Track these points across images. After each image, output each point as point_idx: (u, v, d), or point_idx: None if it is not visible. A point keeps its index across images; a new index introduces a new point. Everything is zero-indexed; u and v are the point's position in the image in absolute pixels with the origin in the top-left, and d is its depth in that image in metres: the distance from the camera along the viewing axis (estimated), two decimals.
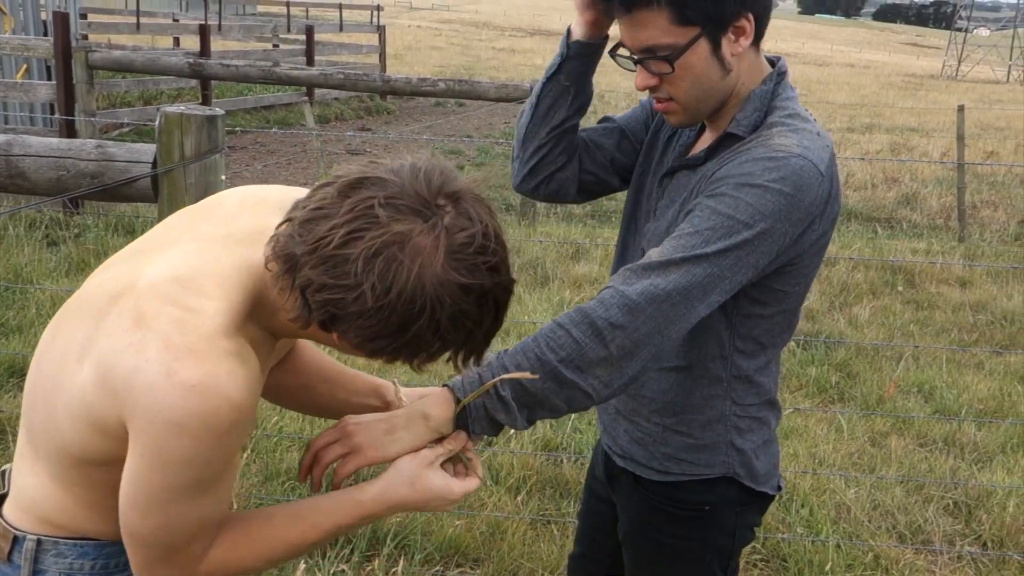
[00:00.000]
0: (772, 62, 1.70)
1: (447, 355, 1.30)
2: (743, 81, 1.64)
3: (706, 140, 1.74)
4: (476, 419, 1.47)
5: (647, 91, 1.63)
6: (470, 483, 1.45)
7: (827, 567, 3.32)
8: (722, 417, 1.75)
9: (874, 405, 4.84)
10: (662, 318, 1.47)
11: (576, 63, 1.79)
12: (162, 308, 1.23)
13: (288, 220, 1.24)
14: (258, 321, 1.32)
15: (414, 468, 1.41)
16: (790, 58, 46.38)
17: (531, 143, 1.86)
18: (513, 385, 1.46)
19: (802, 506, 3.72)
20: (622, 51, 1.62)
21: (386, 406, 1.68)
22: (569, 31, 1.78)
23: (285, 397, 1.73)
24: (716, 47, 1.56)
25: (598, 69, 1.80)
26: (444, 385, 1.50)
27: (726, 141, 1.65)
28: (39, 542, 1.39)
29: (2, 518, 1.42)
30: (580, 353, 1.46)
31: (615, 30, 1.67)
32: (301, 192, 1.35)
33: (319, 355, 1.74)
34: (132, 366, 1.19)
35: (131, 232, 6.90)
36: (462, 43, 38.30)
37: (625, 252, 1.88)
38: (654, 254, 1.52)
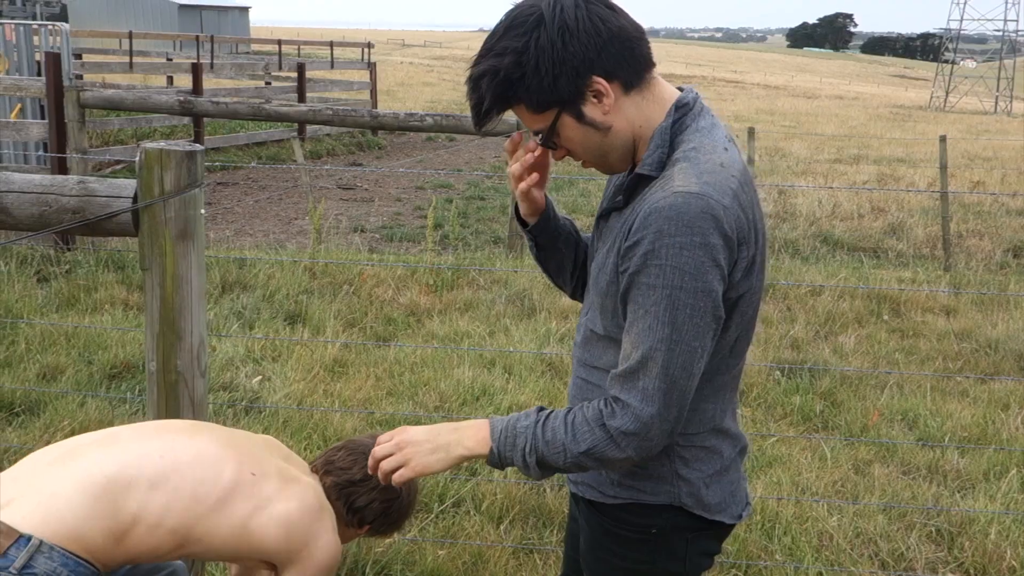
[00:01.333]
0: (679, 89, 1.74)
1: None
2: (640, 124, 1.69)
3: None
4: (500, 463, 1.75)
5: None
6: None
7: None
8: (667, 449, 1.76)
9: (858, 433, 4.87)
10: (674, 413, 1.62)
11: (544, 235, 1.99)
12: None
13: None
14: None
15: None
16: (779, 91, 46.77)
17: (564, 278, 2.07)
18: (539, 454, 1.70)
19: (784, 534, 3.74)
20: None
21: None
22: (519, 215, 1.98)
23: None
24: (579, 117, 1.66)
25: None
26: (489, 419, 1.77)
27: (640, 183, 1.70)
28: (40, 543, 1.75)
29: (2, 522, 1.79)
30: (600, 451, 1.65)
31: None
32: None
33: None
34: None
35: (121, 268, 6.94)
36: (454, 79, 38.59)
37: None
38: (626, 345, 1.63)
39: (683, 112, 1.69)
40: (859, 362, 6.01)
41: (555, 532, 3.68)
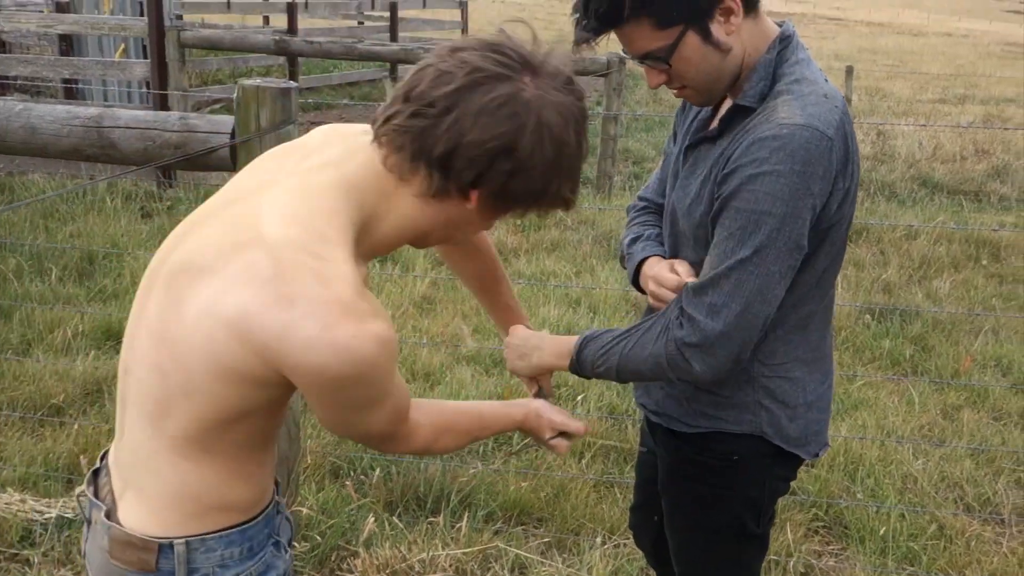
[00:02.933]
0: (779, 24, 1.73)
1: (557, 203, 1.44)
2: (749, 52, 1.67)
3: (722, 111, 1.80)
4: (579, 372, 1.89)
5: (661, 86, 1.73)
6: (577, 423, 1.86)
7: (887, 534, 3.33)
8: (750, 378, 1.80)
9: (948, 378, 4.79)
10: (742, 335, 1.65)
11: None
12: (298, 259, 1.25)
13: (388, 116, 1.32)
14: (366, 249, 1.40)
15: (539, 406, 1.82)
16: (883, 28, 45.04)
17: None
18: (610, 363, 1.81)
19: (868, 476, 3.73)
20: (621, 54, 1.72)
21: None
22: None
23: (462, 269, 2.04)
24: (706, 35, 1.61)
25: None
26: (581, 334, 1.89)
27: (738, 114, 1.70)
28: (188, 544, 1.40)
29: (135, 532, 1.40)
30: (664, 360, 1.72)
31: None
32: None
33: (489, 263, 2.02)
34: (284, 324, 1.23)
35: None
36: (546, 18, 38.15)
37: (666, 216, 1.96)
38: (706, 266, 1.66)
39: (785, 44, 1.69)
40: (953, 307, 5.88)
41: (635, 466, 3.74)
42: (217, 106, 11.55)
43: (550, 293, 5.60)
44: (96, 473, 1.54)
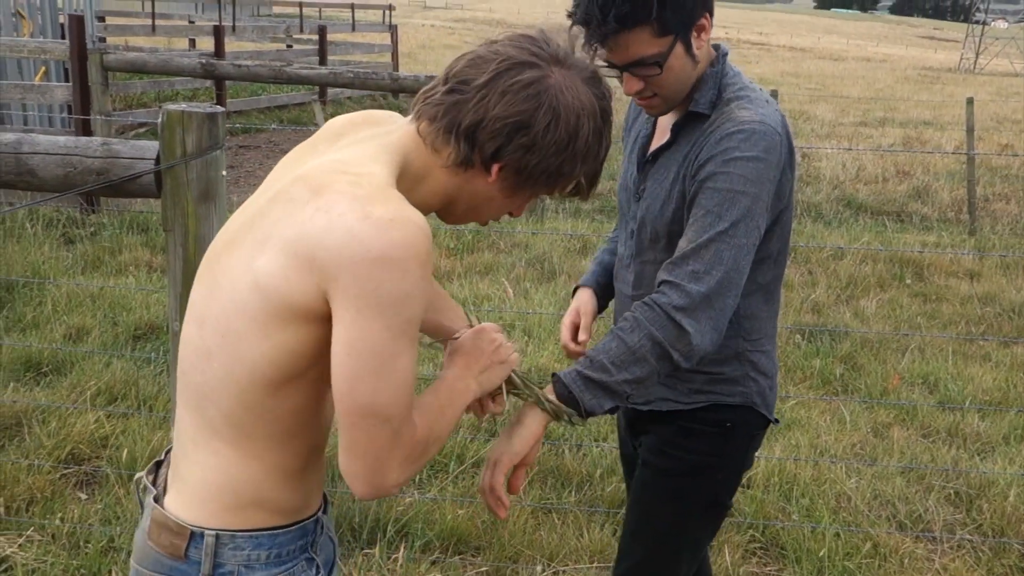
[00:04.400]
0: (715, 47, 1.94)
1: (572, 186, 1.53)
2: (703, 64, 1.91)
3: (666, 122, 2.00)
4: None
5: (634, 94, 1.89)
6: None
7: (824, 554, 3.36)
8: (738, 353, 2.01)
9: (878, 396, 4.87)
10: (721, 302, 1.77)
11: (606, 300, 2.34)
12: (335, 176, 1.33)
13: (428, 93, 1.45)
14: (403, 195, 1.40)
15: (480, 342, 1.64)
16: (805, 53, 46.17)
17: None
18: (599, 378, 1.75)
19: (802, 496, 3.76)
20: (601, 63, 1.80)
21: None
22: None
23: None
24: (688, 47, 1.83)
25: None
26: (554, 375, 1.79)
27: (691, 120, 1.92)
28: (218, 537, 1.42)
29: (173, 516, 1.44)
30: (658, 334, 1.75)
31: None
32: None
33: None
34: (324, 226, 1.27)
35: (145, 230, 7.00)
36: (476, 41, 38.17)
37: (624, 230, 2.14)
38: (683, 242, 1.81)
39: (723, 60, 1.94)
40: (880, 326, 6.00)
41: (573, 492, 3.72)
42: (142, 130, 11.32)
43: (484, 316, 5.56)
44: (159, 465, 1.59)
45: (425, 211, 1.48)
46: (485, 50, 1.45)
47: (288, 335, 1.32)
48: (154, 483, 1.54)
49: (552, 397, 1.74)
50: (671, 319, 1.73)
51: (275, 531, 1.46)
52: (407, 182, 1.44)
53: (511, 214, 1.58)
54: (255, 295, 1.32)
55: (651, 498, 2.12)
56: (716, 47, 1.94)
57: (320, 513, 1.55)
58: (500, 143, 1.41)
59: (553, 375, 1.78)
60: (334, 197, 1.29)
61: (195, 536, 1.42)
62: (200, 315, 1.42)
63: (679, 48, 1.81)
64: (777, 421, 2.15)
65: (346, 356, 1.28)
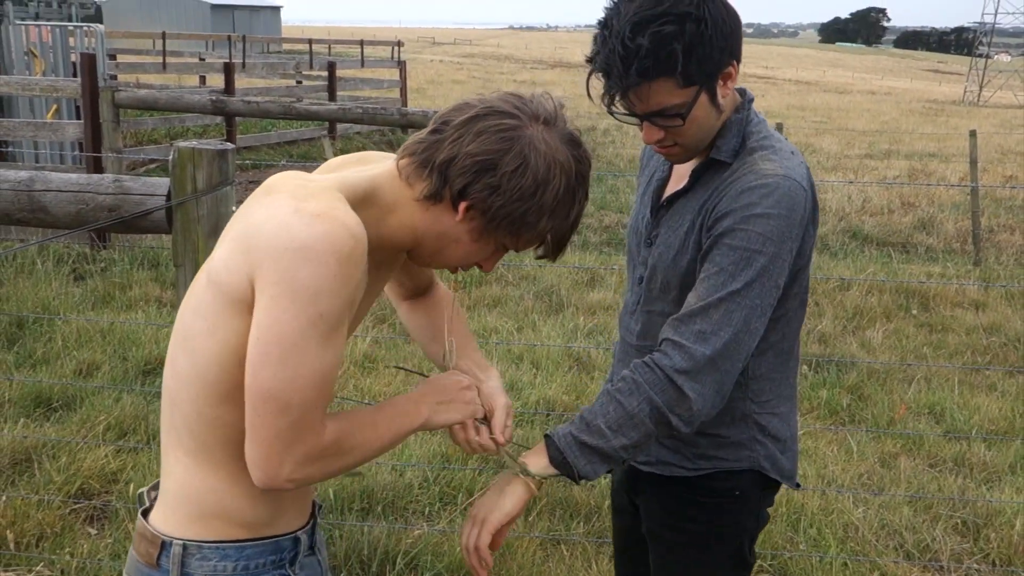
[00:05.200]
0: (740, 92, 1.84)
1: (538, 244, 1.55)
2: (729, 111, 1.80)
3: (685, 167, 1.89)
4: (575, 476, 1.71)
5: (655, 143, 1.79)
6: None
7: None
8: (745, 416, 1.90)
9: (885, 426, 4.88)
10: (727, 364, 1.69)
11: None
12: (288, 180, 1.42)
13: (416, 134, 1.51)
14: (365, 220, 1.42)
15: (450, 379, 1.64)
16: (811, 87, 46.40)
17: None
18: (594, 442, 1.69)
19: (810, 525, 3.76)
20: (620, 111, 1.73)
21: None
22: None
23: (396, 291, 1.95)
24: (713, 96, 1.72)
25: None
26: (546, 436, 1.73)
27: (711, 167, 1.82)
28: (185, 547, 1.47)
29: (150, 525, 1.51)
30: (658, 399, 1.68)
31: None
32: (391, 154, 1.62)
33: (431, 315, 1.90)
34: (262, 218, 1.34)
35: (156, 266, 7.06)
36: (484, 76, 38.64)
37: (632, 276, 2.05)
38: (691, 298, 1.72)
39: (749, 106, 1.84)
40: (887, 356, 6.00)
41: (581, 524, 3.72)
42: (153, 166, 11.44)
43: (492, 350, 5.60)
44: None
45: (393, 245, 1.53)
46: (473, 99, 1.51)
47: (230, 330, 1.36)
48: (151, 498, 1.59)
49: (539, 464, 1.68)
50: (672, 383, 1.66)
51: (242, 543, 1.48)
52: (376, 211, 1.48)
53: (481, 267, 1.58)
54: (207, 291, 1.39)
55: (676, 569, 2.04)
56: (741, 92, 1.84)
57: (301, 532, 1.56)
58: (468, 180, 1.44)
59: (546, 436, 1.71)
60: (279, 196, 1.37)
61: (166, 545, 1.48)
62: (176, 330, 1.49)
63: (703, 98, 1.70)
64: (799, 486, 2.04)
65: (255, 340, 1.31)
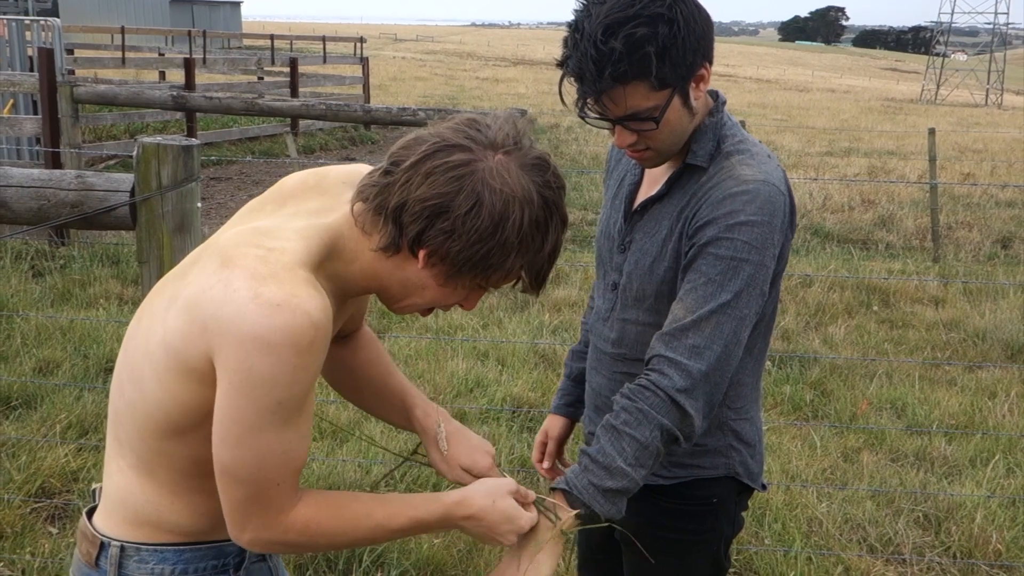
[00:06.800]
0: (712, 94, 1.82)
1: (514, 281, 1.45)
2: (701, 114, 1.78)
3: (657, 171, 1.86)
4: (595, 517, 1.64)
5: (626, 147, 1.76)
6: (532, 516, 1.55)
7: None
8: (721, 423, 1.89)
9: (847, 421, 4.93)
10: (718, 376, 1.67)
11: None
12: (245, 249, 1.33)
13: (371, 173, 1.42)
14: (329, 274, 1.41)
15: (497, 487, 1.53)
16: (771, 85, 46.82)
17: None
18: (612, 481, 1.62)
19: (774, 520, 3.79)
20: (592, 115, 1.70)
21: (408, 424, 1.81)
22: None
23: (339, 373, 1.82)
24: (685, 99, 1.70)
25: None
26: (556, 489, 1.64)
27: (687, 172, 1.80)
28: (123, 548, 1.47)
29: (91, 526, 1.52)
30: (666, 420, 1.64)
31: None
32: (358, 165, 1.55)
33: (380, 348, 1.84)
34: (220, 299, 1.28)
35: (116, 262, 6.97)
36: (446, 73, 38.57)
37: (603, 281, 2.01)
38: (679, 310, 1.69)
39: (722, 108, 1.82)
40: (848, 352, 6.08)
41: None
42: (112, 163, 11.28)
43: (457, 347, 5.59)
44: None
45: (360, 293, 1.49)
46: (426, 131, 1.41)
47: (182, 390, 1.36)
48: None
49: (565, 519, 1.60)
50: (676, 403, 1.63)
51: (181, 547, 1.48)
52: (340, 263, 1.43)
53: (462, 306, 1.51)
54: (160, 349, 1.36)
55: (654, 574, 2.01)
56: (714, 95, 1.82)
57: None
58: (422, 227, 1.35)
59: (566, 492, 1.62)
60: (236, 272, 1.30)
61: (104, 546, 1.49)
62: (125, 344, 1.48)
63: (676, 101, 1.68)
64: (765, 488, 2.04)
65: (217, 420, 1.32)
